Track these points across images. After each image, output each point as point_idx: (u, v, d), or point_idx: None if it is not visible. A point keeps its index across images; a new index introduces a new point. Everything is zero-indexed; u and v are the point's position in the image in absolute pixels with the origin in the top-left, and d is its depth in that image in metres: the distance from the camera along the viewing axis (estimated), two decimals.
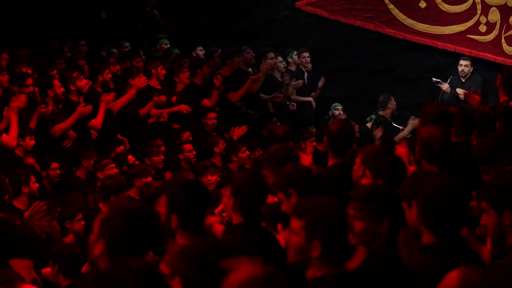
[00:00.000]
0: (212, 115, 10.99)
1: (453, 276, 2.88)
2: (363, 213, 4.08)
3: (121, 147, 9.84)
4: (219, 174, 9.08)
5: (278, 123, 11.36)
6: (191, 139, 10.32)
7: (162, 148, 9.90)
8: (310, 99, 13.11)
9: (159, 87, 10.90)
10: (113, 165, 9.12)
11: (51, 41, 13.00)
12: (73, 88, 9.81)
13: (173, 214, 4.25)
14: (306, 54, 13.15)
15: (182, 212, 4.24)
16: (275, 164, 5.36)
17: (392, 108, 12.11)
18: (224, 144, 10.24)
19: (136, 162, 9.29)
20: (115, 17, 14.16)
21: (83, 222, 7.71)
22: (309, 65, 13.17)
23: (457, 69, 12.39)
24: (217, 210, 6.36)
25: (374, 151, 5.10)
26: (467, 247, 3.97)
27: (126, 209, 3.52)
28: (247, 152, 9.88)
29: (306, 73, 13.12)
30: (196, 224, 4.31)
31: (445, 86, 12.24)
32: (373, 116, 12.34)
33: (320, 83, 13.25)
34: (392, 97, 12.17)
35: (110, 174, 8.84)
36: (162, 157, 9.74)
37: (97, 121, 9.75)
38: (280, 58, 12.85)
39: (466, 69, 12.30)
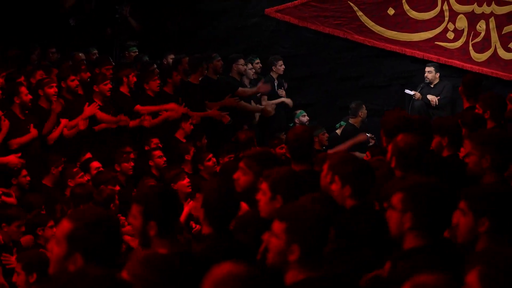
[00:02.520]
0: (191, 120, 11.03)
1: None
2: None
3: (88, 155, 9.78)
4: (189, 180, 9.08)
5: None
6: (160, 145, 10.27)
7: (132, 155, 9.87)
8: (282, 99, 13.05)
9: (128, 94, 10.84)
10: (82, 173, 9.09)
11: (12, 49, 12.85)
12: (41, 94, 9.76)
13: (151, 222, 4.24)
14: (281, 63, 13.11)
15: (160, 219, 4.24)
16: (260, 164, 5.39)
17: (362, 116, 12.20)
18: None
19: (101, 169, 9.25)
20: (84, 24, 14.05)
21: (55, 229, 7.65)
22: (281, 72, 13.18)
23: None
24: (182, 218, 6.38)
25: (341, 158, 5.15)
26: (452, 249, 4.00)
27: (93, 219, 3.49)
28: (214, 160, 9.87)
29: (276, 80, 13.12)
30: (172, 231, 4.32)
31: (417, 95, 12.32)
32: (342, 123, 12.38)
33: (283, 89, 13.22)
34: (363, 105, 12.25)
35: (81, 182, 8.82)
36: (132, 163, 9.70)
37: (53, 136, 9.75)
38: (250, 65, 12.84)
39: (429, 76, 12.43)
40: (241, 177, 5.53)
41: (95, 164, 9.34)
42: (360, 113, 12.22)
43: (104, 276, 2.88)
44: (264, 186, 4.81)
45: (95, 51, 12.96)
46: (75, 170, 9.07)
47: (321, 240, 3.68)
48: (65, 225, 3.48)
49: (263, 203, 4.77)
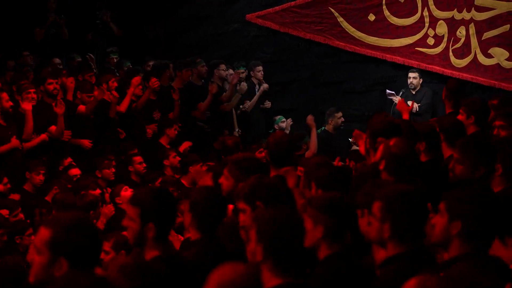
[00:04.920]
0: (176, 126, 11.05)
1: (411, 284, 2.92)
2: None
3: (69, 160, 9.76)
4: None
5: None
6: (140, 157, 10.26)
7: (113, 162, 9.86)
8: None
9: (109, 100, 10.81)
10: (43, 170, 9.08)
11: None
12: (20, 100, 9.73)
13: (149, 224, 4.23)
14: (260, 68, 13.15)
15: (159, 220, 4.24)
16: (241, 170, 5.40)
17: (333, 124, 12.21)
18: (176, 157, 10.21)
19: (78, 176, 9.23)
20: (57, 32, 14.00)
21: (33, 237, 7.60)
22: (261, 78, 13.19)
23: (407, 81, 12.55)
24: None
25: (315, 163, 5.20)
26: (431, 255, 4.03)
27: (70, 222, 3.48)
28: (204, 168, 9.86)
29: (257, 86, 13.14)
30: (167, 233, 4.34)
31: (397, 99, 12.35)
32: (323, 129, 12.40)
33: (261, 89, 13.20)
34: (335, 113, 12.23)
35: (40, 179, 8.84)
36: (113, 169, 9.70)
37: (57, 130, 9.73)
38: (231, 71, 12.85)
39: (414, 81, 12.47)
40: (224, 182, 5.56)
41: (74, 171, 9.32)
42: (330, 121, 12.27)
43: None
44: (241, 205, 4.75)
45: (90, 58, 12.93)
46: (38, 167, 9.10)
47: (293, 244, 3.70)
48: (44, 232, 3.47)
49: (246, 219, 4.75)
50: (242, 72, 13.10)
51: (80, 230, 3.45)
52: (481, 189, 4.78)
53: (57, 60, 12.43)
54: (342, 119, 12.29)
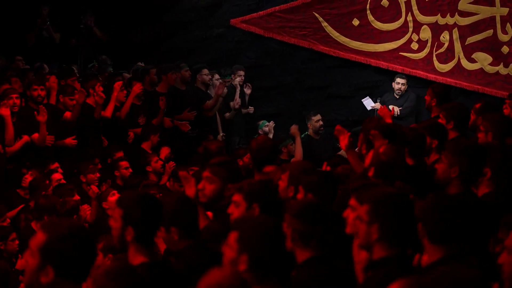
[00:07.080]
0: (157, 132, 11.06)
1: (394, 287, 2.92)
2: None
3: (55, 164, 9.72)
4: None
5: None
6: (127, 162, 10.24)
7: (99, 165, 9.83)
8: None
9: (95, 106, 10.77)
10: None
11: None
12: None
13: (129, 226, 4.23)
14: (242, 73, 13.13)
15: (138, 225, 4.24)
16: (226, 170, 5.40)
17: (312, 127, 12.21)
18: (158, 161, 10.18)
19: (62, 181, 9.20)
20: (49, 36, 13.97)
21: (17, 242, 7.57)
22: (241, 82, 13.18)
23: (391, 86, 12.59)
24: None
25: (300, 168, 5.21)
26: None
27: (67, 231, 3.46)
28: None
29: (238, 89, 13.10)
30: (150, 238, 4.32)
31: (377, 105, 12.37)
32: (306, 133, 12.41)
33: (247, 91, 13.19)
34: (312, 117, 12.22)
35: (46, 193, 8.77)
36: (98, 174, 9.66)
37: (40, 138, 9.68)
38: (217, 76, 12.83)
39: (403, 88, 12.48)
40: (206, 186, 5.50)
41: (57, 175, 9.29)
42: (308, 125, 12.28)
43: None
44: (237, 197, 4.81)
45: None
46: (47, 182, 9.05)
47: (272, 251, 3.73)
48: (39, 237, 3.45)
49: (238, 215, 4.76)
50: (228, 81, 13.07)
51: (74, 240, 3.42)
52: (462, 194, 4.81)
53: (47, 68, 12.40)
54: (321, 122, 12.25)
